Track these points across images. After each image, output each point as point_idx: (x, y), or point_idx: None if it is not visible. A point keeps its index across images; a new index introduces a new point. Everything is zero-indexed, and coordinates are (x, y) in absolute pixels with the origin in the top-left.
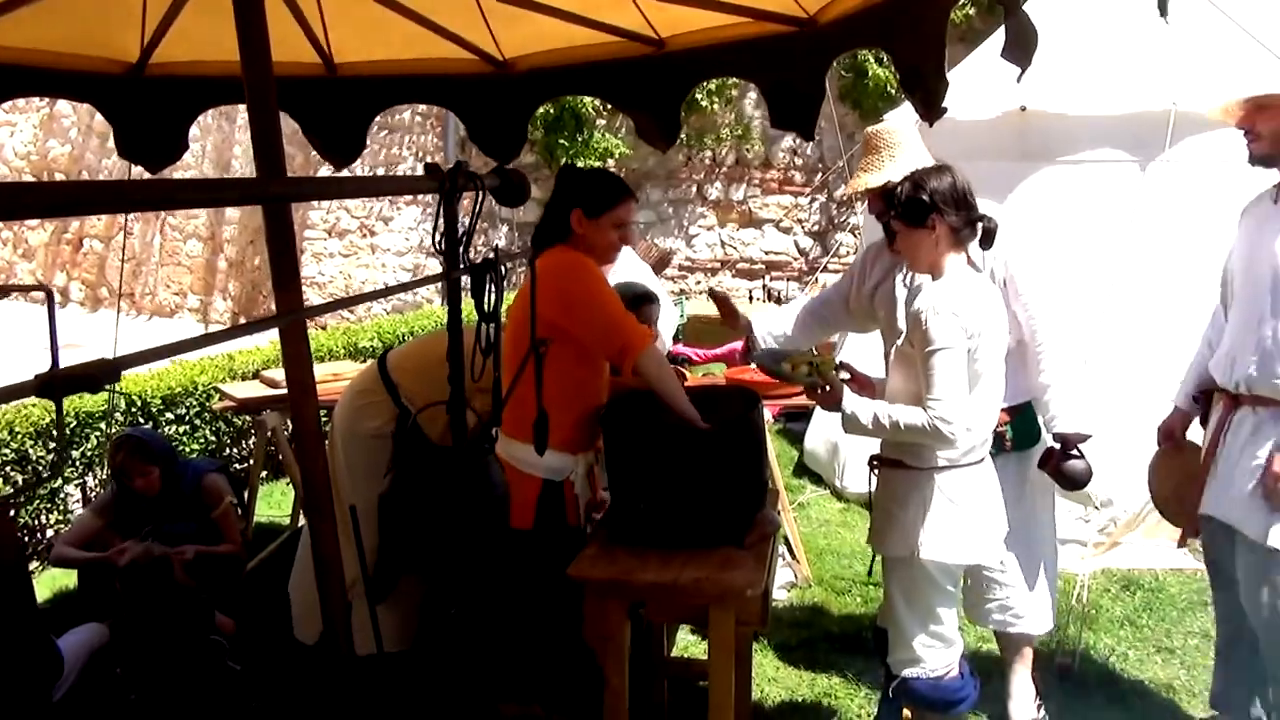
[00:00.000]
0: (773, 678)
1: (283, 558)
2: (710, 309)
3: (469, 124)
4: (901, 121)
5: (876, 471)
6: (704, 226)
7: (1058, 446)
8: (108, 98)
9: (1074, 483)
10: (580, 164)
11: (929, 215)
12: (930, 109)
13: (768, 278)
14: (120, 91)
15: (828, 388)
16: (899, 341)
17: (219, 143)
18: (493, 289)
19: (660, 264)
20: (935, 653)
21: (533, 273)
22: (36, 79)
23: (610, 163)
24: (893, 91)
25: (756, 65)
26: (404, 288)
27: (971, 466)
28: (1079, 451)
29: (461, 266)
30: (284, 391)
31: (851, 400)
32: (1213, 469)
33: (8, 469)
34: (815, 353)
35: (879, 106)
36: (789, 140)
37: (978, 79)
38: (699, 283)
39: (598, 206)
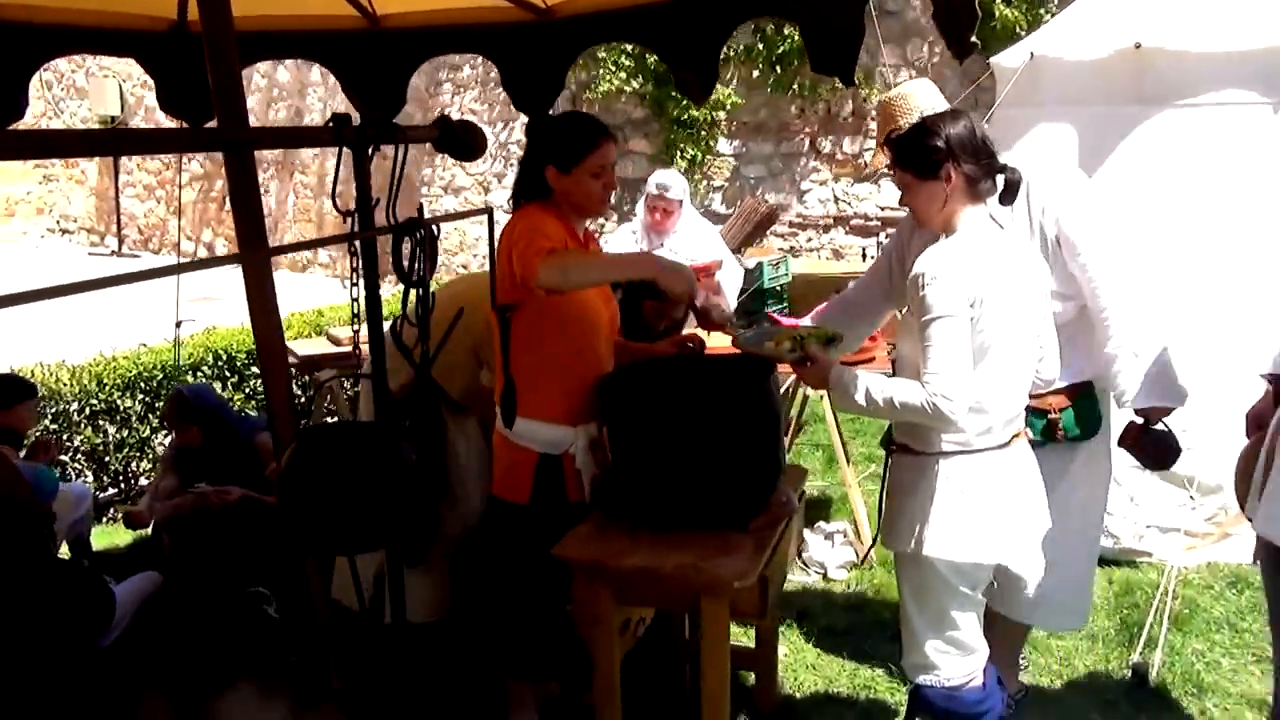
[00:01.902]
0: (812, 664)
1: None
2: (821, 268)
3: (505, 73)
4: (919, 85)
5: (890, 456)
6: (816, 181)
7: (1140, 421)
8: (150, 53)
9: (1159, 461)
10: (689, 116)
11: (944, 164)
12: (959, 40)
13: (882, 235)
14: (162, 47)
15: (809, 363)
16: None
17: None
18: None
19: (766, 221)
20: (951, 660)
21: (491, 232)
22: (82, 38)
23: (721, 115)
24: (1022, 33)
25: (795, 4)
26: (309, 245)
27: (987, 453)
28: (1165, 426)
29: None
30: (346, 349)
31: (840, 374)
32: (1270, 479)
33: (99, 419)
34: (808, 326)
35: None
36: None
37: (1088, 14)
38: (810, 240)
39: (569, 158)
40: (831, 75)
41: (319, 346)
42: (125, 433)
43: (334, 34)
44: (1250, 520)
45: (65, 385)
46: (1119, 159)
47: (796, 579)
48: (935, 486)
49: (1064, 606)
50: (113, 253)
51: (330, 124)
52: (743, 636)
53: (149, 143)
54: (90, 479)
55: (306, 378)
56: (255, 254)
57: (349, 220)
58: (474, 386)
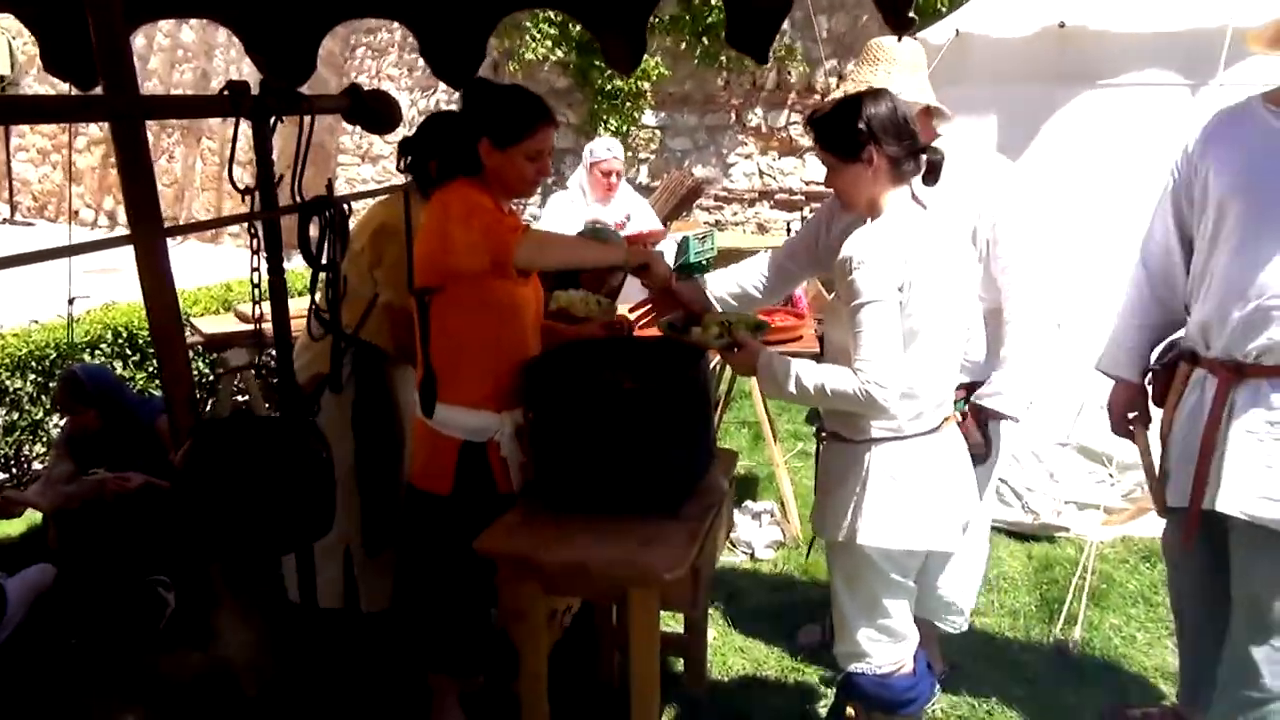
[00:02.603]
0: (740, 647)
1: None
2: (746, 242)
3: (423, 41)
4: (909, 42)
5: (821, 443)
6: (742, 155)
7: (975, 410)
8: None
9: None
10: (613, 87)
11: (865, 146)
12: (897, 15)
13: (807, 209)
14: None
15: (737, 348)
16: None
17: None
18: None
19: (692, 194)
20: (881, 648)
21: (407, 208)
22: None
23: (647, 86)
24: (943, 9)
25: None
26: (211, 224)
27: (918, 438)
28: (990, 431)
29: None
30: (250, 327)
31: (769, 361)
32: (1215, 457)
33: None
34: (735, 313)
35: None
36: (833, 63)
37: None
38: (735, 213)
39: (507, 136)
40: (746, 53)
41: (226, 324)
42: (16, 415)
43: None
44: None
45: None
46: (1042, 139)
47: (724, 559)
48: (867, 474)
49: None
50: (3, 220)
51: (226, 92)
52: (671, 621)
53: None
54: None
55: (214, 356)
56: (149, 232)
57: (248, 199)
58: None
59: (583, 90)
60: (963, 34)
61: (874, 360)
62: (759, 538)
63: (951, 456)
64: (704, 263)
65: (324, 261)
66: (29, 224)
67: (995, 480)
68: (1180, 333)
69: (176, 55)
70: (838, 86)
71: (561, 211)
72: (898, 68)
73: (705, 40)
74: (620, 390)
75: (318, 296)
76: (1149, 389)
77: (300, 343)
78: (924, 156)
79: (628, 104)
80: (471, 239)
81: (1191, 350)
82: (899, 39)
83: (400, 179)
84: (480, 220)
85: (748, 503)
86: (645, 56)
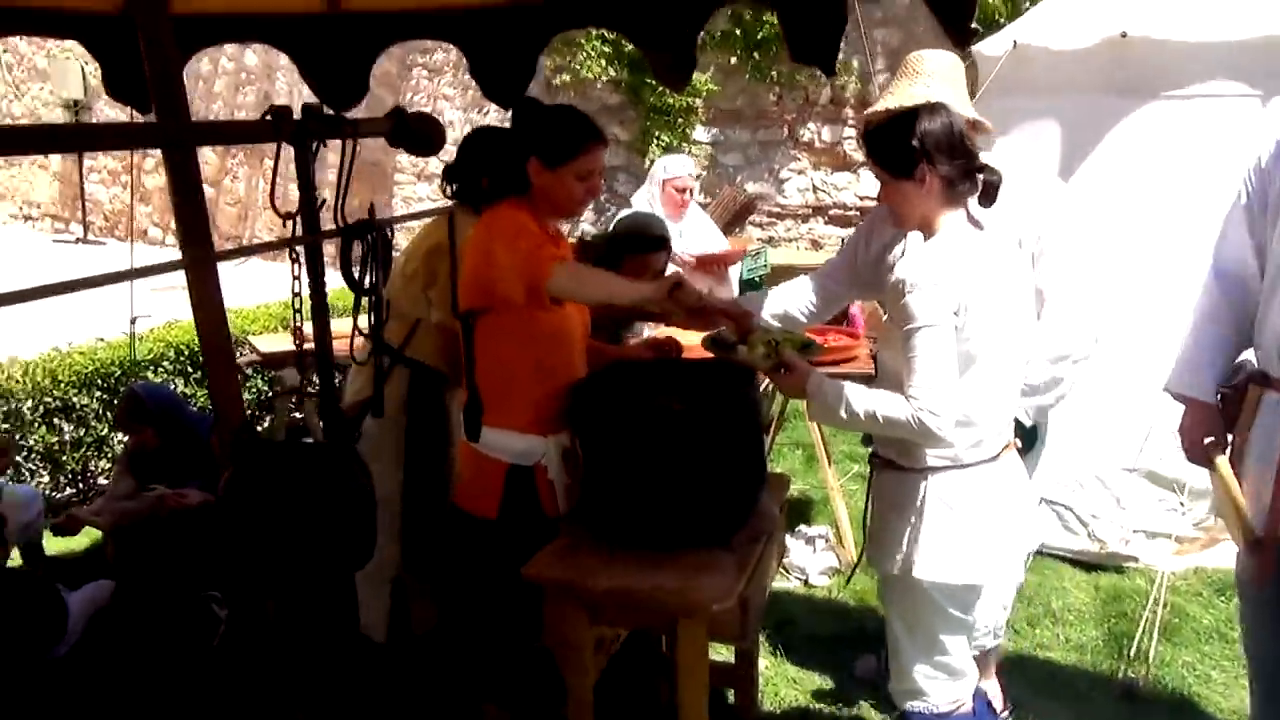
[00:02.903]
0: (794, 678)
1: None
2: (800, 258)
3: (473, 60)
4: (946, 55)
5: (874, 470)
6: (795, 170)
7: None
8: (96, 37)
9: None
10: (665, 103)
11: (918, 164)
12: (959, 26)
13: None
14: (109, 31)
15: (785, 369)
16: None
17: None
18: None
19: (745, 210)
20: (940, 685)
21: (451, 232)
22: (24, 19)
23: (698, 102)
24: (1002, 20)
25: None
26: (257, 249)
27: (978, 467)
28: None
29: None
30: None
31: (819, 384)
32: None
33: (54, 418)
34: (783, 330)
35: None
36: (886, 77)
37: (1072, 1)
38: (788, 229)
39: (557, 155)
40: (811, 65)
41: (284, 343)
42: (82, 431)
43: (292, 17)
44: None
45: (17, 383)
46: (1102, 151)
47: (777, 585)
48: (923, 504)
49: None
50: (77, 240)
51: (268, 117)
52: (722, 649)
53: (80, 138)
54: (46, 480)
55: (271, 374)
56: (199, 255)
57: (290, 224)
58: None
59: (635, 108)
60: (1020, 45)
61: (928, 387)
62: (813, 564)
63: (1012, 485)
64: (757, 280)
65: (366, 285)
66: (100, 243)
67: (1040, 466)
68: (1249, 353)
69: (240, 79)
70: (878, 100)
71: None
72: (936, 80)
73: (757, 55)
74: (666, 413)
75: (360, 320)
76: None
77: (354, 367)
78: (980, 177)
79: (680, 120)
80: (514, 261)
81: (1263, 372)
82: (962, 52)
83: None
84: (525, 243)
85: (801, 527)
86: (696, 73)
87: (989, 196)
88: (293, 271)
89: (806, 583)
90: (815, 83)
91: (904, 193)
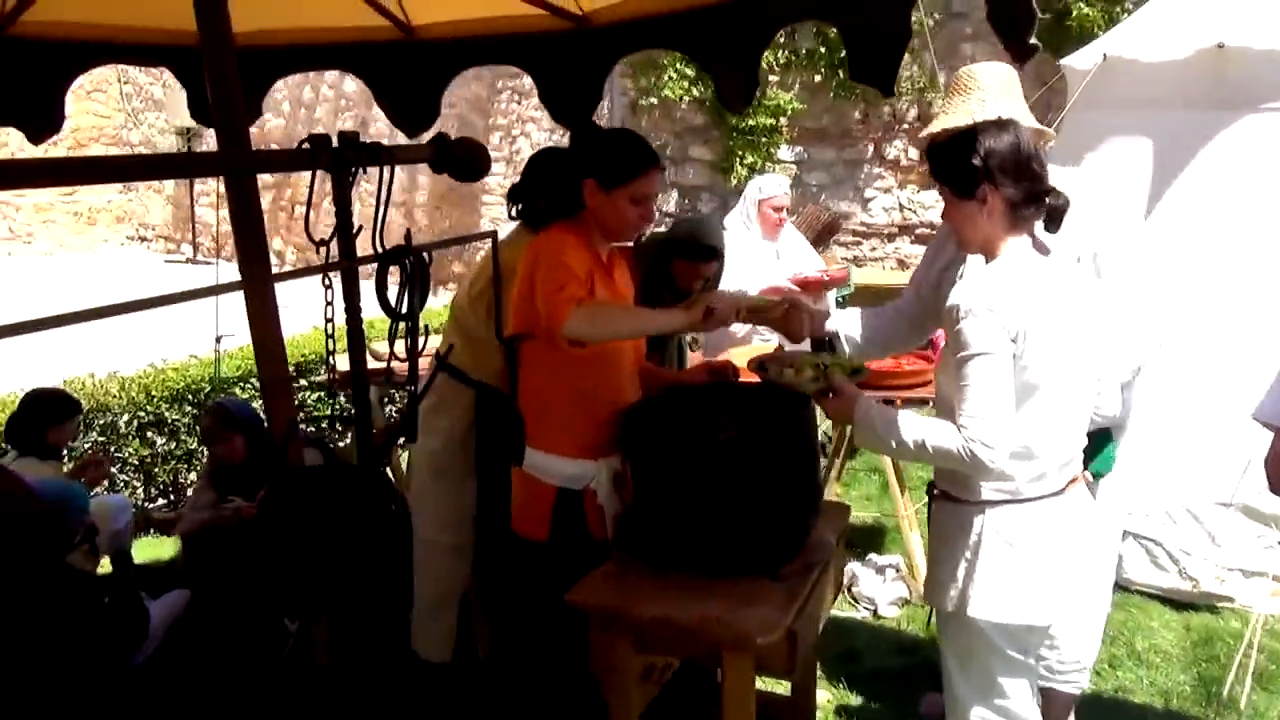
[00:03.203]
0: (857, 712)
1: None
2: (885, 278)
3: (542, 85)
4: (1002, 67)
5: (932, 501)
6: (881, 189)
7: None
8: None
9: None
10: (749, 123)
11: (979, 185)
12: (1018, 42)
13: None
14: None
15: (833, 394)
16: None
17: None
18: (409, 283)
19: (829, 229)
20: None
21: (495, 257)
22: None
23: (783, 121)
24: (1100, 33)
25: (836, 8)
26: (299, 274)
27: (1040, 501)
28: None
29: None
30: (383, 365)
31: (867, 409)
32: None
33: (147, 431)
34: (833, 355)
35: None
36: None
37: (1167, 12)
38: (874, 249)
39: (613, 177)
40: (870, 84)
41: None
42: (173, 444)
43: (368, 45)
44: None
45: (114, 397)
46: (1196, 167)
47: (844, 614)
48: (980, 539)
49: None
50: (187, 260)
51: (305, 145)
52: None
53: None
54: (139, 490)
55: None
56: (258, 277)
57: (323, 250)
58: None
59: (719, 127)
60: (1110, 58)
61: (980, 417)
62: (883, 594)
63: (1079, 521)
64: (841, 300)
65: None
66: (209, 263)
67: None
68: None
69: (340, 104)
70: (930, 121)
71: (743, 252)
72: (991, 94)
73: (841, 74)
74: (714, 440)
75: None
76: None
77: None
78: (1047, 200)
79: (763, 139)
80: (544, 292)
81: None
82: (1019, 65)
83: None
84: (554, 282)
85: (872, 556)
86: (780, 91)
87: (1055, 221)
88: (326, 298)
89: (876, 614)
90: (900, 100)
91: (966, 213)
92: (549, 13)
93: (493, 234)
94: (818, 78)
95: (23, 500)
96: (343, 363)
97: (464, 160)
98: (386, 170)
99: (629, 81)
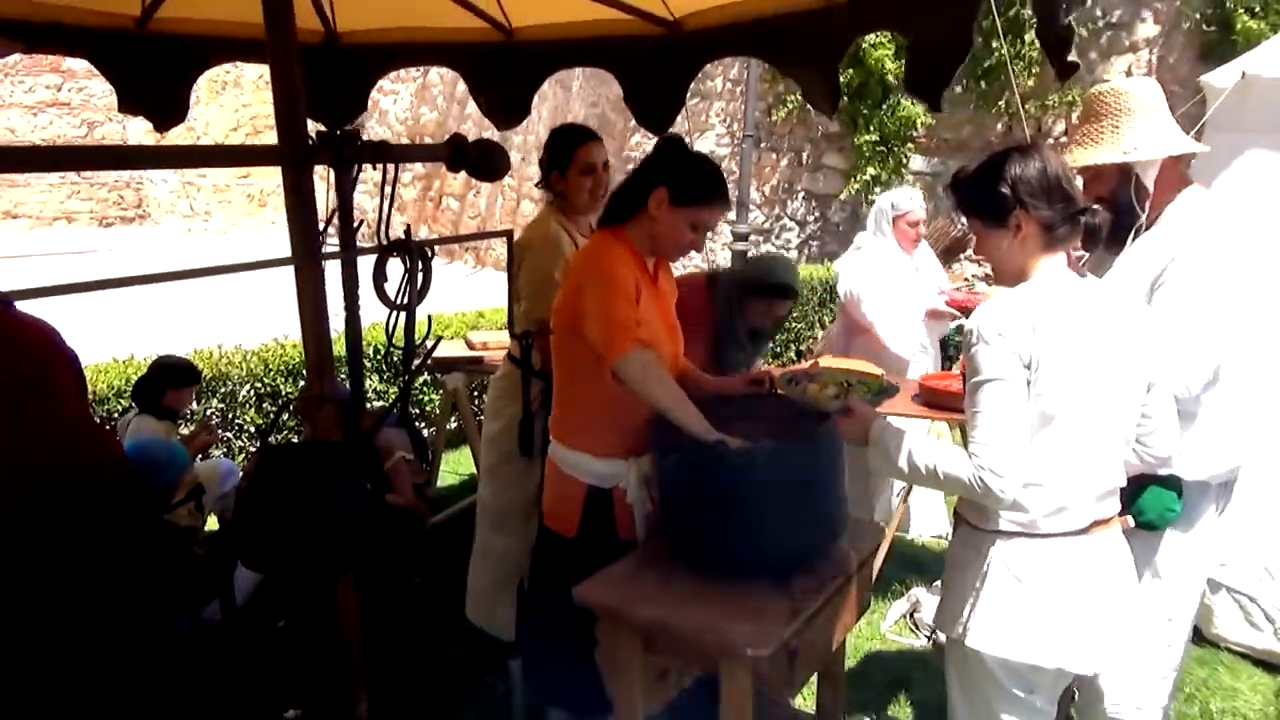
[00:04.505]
0: None
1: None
2: None
3: (627, 87)
4: (1139, 84)
5: (955, 527)
6: None
7: None
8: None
9: None
10: (877, 135)
11: (1011, 212)
12: (1058, 60)
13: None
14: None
15: (849, 413)
16: None
17: (554, 108)
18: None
19: (956, 246)
20: None
21: (510, 257)
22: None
23: (920, 132)
24: None
25: (910, 16)
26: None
27: (1056, 539)
28: None
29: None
30: (478, 354)
31: (881, 432)
32: None
33: (264, 402)
34: (861, 373)
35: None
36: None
37: None
38: (968, 279)
39: (685, 195)
40: (921, 98)
41: (456, 349)
42: (285, 416)
43: (468, 44)
44: None
45: (235, 367)
46: None
47: (902, 641)
48: (988, 569)
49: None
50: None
51: (313, 141)
52: (808, 697)
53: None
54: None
55: (437, 377)
56: (307, 264)
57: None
58: None
59: (853, 137)
60: (1249, 76)
61: (990, 445)
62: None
63: (1104, 565)
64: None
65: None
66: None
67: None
68: None
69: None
70: (1067, 148)
71: (876, 269)
72: (1138, 119)
73: (984, 84)
74: (726, 449)
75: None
76: None
77: (494, 378)
78: (1082, 220)
79: (893, 149)
80: (599, 316)
81: None
82: (1136, 86)
83: None
84: (618, 305)
85: (939, 583)
86: (909, 103)
87: (1093, 239)
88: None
89: (935, 644)
90: (1047, 112)
91: (997, 241)
92: (640, 18)
93: (508, 232)
94: (959, 89)
95: (118, 461)
96: (442, 348)
97: (480, 160)
98: (390, 168)
99: (766, 86)
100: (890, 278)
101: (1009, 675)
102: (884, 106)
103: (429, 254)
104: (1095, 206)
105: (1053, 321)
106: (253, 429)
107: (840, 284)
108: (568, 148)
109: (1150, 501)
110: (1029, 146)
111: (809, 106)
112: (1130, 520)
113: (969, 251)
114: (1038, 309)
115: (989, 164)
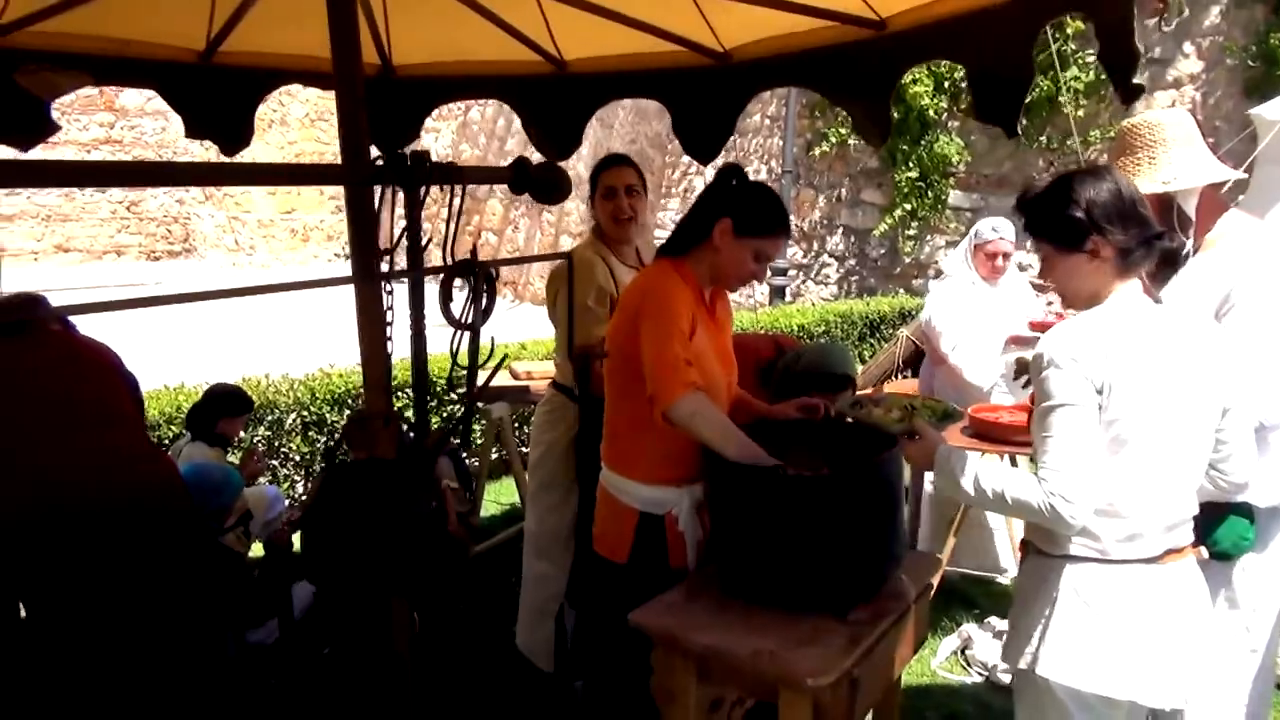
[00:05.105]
0: None
1: (506, 554)
2: None
3: (678, 118)
4: (1171, 115)
5: (1023, 556)
6: None
7: None
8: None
9: None
10: (916, 171)
11: (1088, 236)
12: (1123, 83)
13: None
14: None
15: (916, 436)
16: None
17: (595, 143)
18: (473, 296)
19: None
20: None
21: (570, 278)
22: (299, 75)
23: (959, 167)
24: None
25: (964, 44)
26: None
27: (1128, 565)
28: None
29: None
30: (522, 384)
31: (948, 456)
32: None
33: (310, 430)
34: (926, 397)
35: None
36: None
37: None
38: (1051, 303)
39: (750, 225)
40: (996, 124)
41: (500, 378)
42: (331, 444)
43: (520, 77)
44: None
45: (283, 395)
46: None
47: (954, 678)
48: (1058, 595)
49: None
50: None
51: (379, 161)
52: None
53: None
54: (300, 485)
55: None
56: (366, 281)
57: (390, 261)
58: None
59: (894, 171)
60: None
61: (1061, 470)
62: (999, 660)
63: (1179, 595)
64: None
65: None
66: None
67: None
68: None
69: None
70: None
71: (955, 298)
72: (1174, 149)
73: (1025, 119)
74: (784, 477)
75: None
76: None
77: (544, 404)
78: (1158, 244)
79: (933, 185)
80: (654, 358)
81: None
82: (1125, 105)
83: None
84: (670, 344)
85: (992, 619)
86: (956, 138)
87: (1171, 264)
88: (385, 303)
89: (989, 680)
90: (1089, 148)
91: (1071, 267)
92: (690, 49)
93: (568, 255)
94: None
95: (175, 484)
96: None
97: (542, 182)
98: (458, 189)
99: (805, 122)
100: (969, 307)
101: (1080, 707)
102: (922, 142)
103: (494, 275)
104: (1171, 230)
105: (1126, 346)
106: (298, 457)
107: (923, 313)
108: (594, 174)
109: (1225, 532)
110: (1099, 168)
111: (848, 142)
112: (1204, 551)
113: None
114: (1111, 333)
115: (1057, 185)
